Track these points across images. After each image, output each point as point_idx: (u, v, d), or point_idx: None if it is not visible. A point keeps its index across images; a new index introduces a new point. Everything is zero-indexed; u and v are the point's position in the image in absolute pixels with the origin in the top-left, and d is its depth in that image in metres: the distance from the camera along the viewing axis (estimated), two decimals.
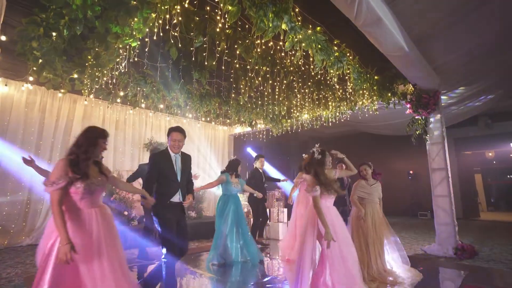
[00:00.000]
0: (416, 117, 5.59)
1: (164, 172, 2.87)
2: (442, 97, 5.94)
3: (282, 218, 6.81)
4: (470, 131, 11.00)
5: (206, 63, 3.10)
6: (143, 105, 5.60)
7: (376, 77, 5.01)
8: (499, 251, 5.25)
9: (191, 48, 2.98)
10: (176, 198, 2.88)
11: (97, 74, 3.87)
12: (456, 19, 4.03)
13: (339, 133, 12.03)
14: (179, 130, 3.01)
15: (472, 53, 5.04)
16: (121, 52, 3.31)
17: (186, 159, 3.10)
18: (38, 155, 6.01)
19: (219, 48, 3.07)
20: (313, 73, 4.63)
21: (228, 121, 6.53)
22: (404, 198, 12.23)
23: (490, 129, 10.38)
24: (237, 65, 3.33)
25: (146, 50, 3.20)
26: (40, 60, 3.56)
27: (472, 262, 4.53)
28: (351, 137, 12.73)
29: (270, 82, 3.91)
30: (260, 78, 3.84)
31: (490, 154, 13.45)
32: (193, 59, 3.04)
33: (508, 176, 15.69)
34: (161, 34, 2.81)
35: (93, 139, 2.04)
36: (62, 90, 5.56)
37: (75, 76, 4.16)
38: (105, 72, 3.74)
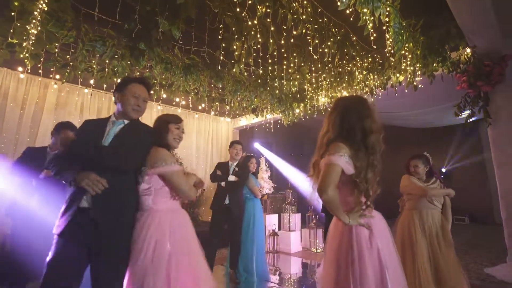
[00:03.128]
0: (471, 94, 4.21)
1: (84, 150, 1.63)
2: None
3: (295, 227, 5.52)
4: None
5: None
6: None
7: (421, 38, 3.68)
8: None
9: None
10: (85, 202, 1.55)
11: (29, 29, 2.75)
12: None
13: None
14: (142, 81, 1.93)
15: None
16: None
17: (136, 131, 1.83)
18: None
19: None
20: (334, 29, 3.36)
21: (227, 107, 5.31)
22: None
23: None
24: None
25: None
26: None
27: None
28: None
29: (273, 29, 2.66)
30: (257, 21, 2.59)
31: None
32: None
33: None
34: None
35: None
36: (20, 69, 4.57)
37: (15, 41, 3.08)
38: (34, 21, 2.61)
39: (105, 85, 4.40)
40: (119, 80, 4.03)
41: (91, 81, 4.72)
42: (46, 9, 2.54)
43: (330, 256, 1.47)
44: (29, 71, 3.50)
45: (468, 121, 4.52)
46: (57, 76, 4.61)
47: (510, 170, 3.76)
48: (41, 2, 2.42)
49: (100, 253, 1.56)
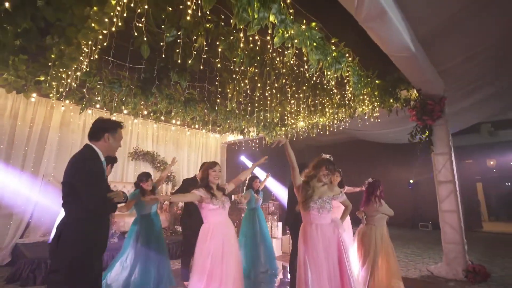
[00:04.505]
0: (420, 126, 5.17)
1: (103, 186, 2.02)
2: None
3: (276, 234, 6.29)
4: (472, 139, 10.62)
5: (179, 61, 2.64)
6: (125, 111, 5.10)
7: (377, 81, 4.59)
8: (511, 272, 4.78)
9: (161, 44, 2.52)
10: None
11: (62, 75, 3.39)
12: (466, 16, 3.64)
13: (336, 140, 11.60)
14: (122, 126, 2.24)
15: (478, 56, 4.66)
16: (84, 49, 2.84)
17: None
18: (8, 165, 5.47)
19: (196, 45, 2.62)
20: (308, 76, 4.20)
21: (218, 128, 6.05)
22: (404, 208, 11.71)
23: (493, 137, 10.02)
24: (219, 65, 2.87)
25: (113, 47, 2.74)
26: None
27: (486, 286, 4.05)
28: (348, 144, 12.29)
29: (259, 85, 3.46)
30: (247, 81, 3.39)
31: (491, 162, 13.06)
32: (163, 56, 2.57)
33: (507, 184, 15.34)
34: (121, 24, 2.35)
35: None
36: (34, 95, 5.11)
37: (42, 78, 3.69)
38: (69, 73, 3.26)
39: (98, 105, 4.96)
40: (122, 107, 4.72)
41: (97, 105, 5.32)
42: (87, 69, 3.19)
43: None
44: (53, 101, 4.11)
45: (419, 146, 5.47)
46: (67, 101, 5.19)
47: (445, 188, 4.74)
48: (84, 63, 3.06)
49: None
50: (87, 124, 6.46)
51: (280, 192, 8.50)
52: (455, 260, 4.50)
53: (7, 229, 5.31)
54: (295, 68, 3.97)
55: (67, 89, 3.53)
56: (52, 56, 3.32)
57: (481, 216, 12.19)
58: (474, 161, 12.39)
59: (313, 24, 3.01)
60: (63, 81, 3.49)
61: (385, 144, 11.35)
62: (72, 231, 1.85)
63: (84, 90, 4.29)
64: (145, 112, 5.50)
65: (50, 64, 3.34)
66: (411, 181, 12.17)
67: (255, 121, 5.47)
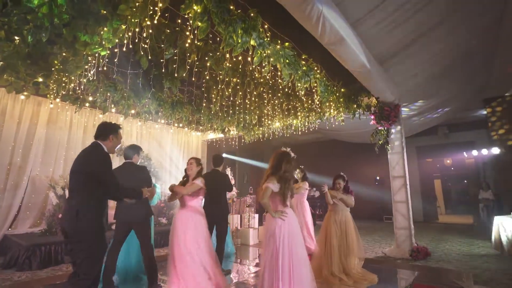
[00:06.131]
0: (379, 128, 5.97)
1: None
2: (404, 109, 6.42)
3: (253, 224, 6.91)
4: (430, 140, 11.80)
5: (176, 74, 3.16)
6: (113, 110, 5.47)
7: (342, 90, 5.30)
8: (449, 252, 5.71)
9: (161, 60, 3.03)
10: None
11: (64, 79, 3.78)
12: (413, 40, 4.41)
13: (311, 139, 12.48)
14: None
15: (427, 71, 5.52)
16: (89, 59, 3.27)
17: None
18: None
19: (190, 60, 3.15)
20: (281, 86, 4.83)
21: (200, 127, 6.55)
22: (371, 202, 12.78)
23: (448, 139, 11.26)
24: (208, 77, 3.41)
25: (116, 59, 3.20)
26: (1, 63, 3.44)
27: (425, 262, 4.91)
28: (322, 143, 13.22)
29: (241, 93, 4.03)
30: (230, 89, 3.95)
31: (448, 161, 14.51)
32: (164, 70, 3.08)
33: (465, 181, 16.99)
34: (131, 46, 2.83)
35: None
36: (26, 93, 5.38)
37: (40, 80, 4.03)
38: (72, 78, 3.66)
39: (87, 104, 5.30)
40: (112, 106, 5.11)
41: (87, 104, 5.64)
42: (92, 78, 3.60)
43: (265, 233, 2.87)
44: (50, 101, 4.44)
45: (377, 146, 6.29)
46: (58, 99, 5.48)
47: (396, 182, 5.58)
48: (90, 72, 3.47)
49: None
50: (73, 121, 6.71)
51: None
52: (404, 243, 5.35)
53: None
54: (271, 80, 4.59)
55: (70, 92, 3.90)
56: (55, 62, 3.71)
57: (438, 209, 13.56)
58: (433, 160, 13.74)
59: (286, 44, 3.63)
60: (63, 84, 3.87)
61: (355, 144, 12.30)
62: (89, 210, 2.31)
63: (79, 91, 4.66)
64: (133, 111, 5.90)
65: (53, 69, 3.72)
66: (378, 178, 13.28)
67: (235, 122, 6.03)
